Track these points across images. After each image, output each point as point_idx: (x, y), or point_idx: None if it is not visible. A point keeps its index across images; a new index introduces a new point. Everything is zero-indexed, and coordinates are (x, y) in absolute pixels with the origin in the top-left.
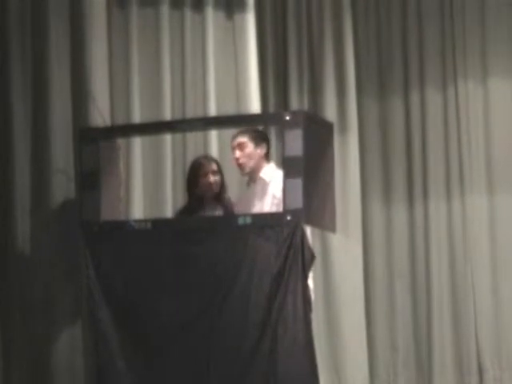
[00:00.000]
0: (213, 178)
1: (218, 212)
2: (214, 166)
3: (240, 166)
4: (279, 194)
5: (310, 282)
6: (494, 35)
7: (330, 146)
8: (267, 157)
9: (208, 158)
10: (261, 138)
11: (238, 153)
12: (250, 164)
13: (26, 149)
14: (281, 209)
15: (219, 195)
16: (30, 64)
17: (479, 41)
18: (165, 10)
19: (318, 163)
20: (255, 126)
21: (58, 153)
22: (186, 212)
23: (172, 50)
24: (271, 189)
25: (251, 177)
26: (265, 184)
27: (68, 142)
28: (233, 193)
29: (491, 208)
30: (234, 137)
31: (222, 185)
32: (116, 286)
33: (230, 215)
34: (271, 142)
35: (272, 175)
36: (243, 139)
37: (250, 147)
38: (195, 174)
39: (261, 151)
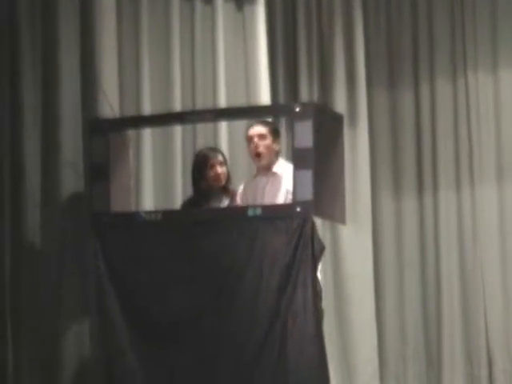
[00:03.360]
0: (220, 170)
1: (225, 203)
2: (221, 158)
3: (258, 156)
4: (289, 186)
5: (319, 274)
6: (504, 25)
7: (340, 138)
8: (278, 153)
9: (213, 150)
10: (278, 134)
11: (257, 141)
12: (270, 157)
13: (36, 141)
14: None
15: (225, 186)
16: (40, 56)
17: (489, 31)
18: (175, 1)
19: (327, 155)
20: (270, 121)
21: (67, 145)
22: (192, 204)
23: (182, 41)
24: (284, 183)
25: (262, 169)
26: (279, 178)
27: (77, 134)
28: (241, 184)
29: (501, 198)
30: (251, 126)
31: (228, 176)
32: (126, 278)
33: (240, 207)
34: (281, 133)
35: (285, 170)
36: (263, 131)
37: (268, 140)
38: (202, 165)
39: (276, 146)
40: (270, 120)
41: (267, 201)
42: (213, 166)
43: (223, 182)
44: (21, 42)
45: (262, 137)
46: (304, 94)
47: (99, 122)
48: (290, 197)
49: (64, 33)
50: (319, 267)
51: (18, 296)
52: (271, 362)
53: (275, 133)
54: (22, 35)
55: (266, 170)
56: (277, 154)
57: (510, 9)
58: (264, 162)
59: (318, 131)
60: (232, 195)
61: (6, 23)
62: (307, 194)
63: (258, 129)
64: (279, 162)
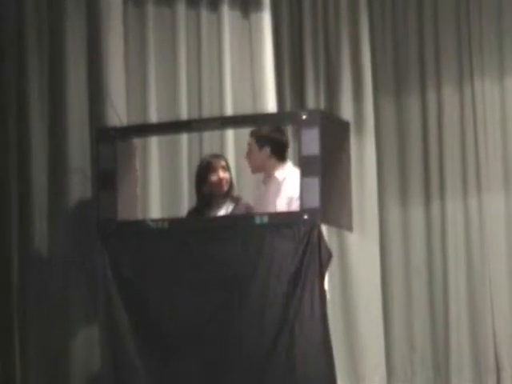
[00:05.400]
0: (223, 174)
1: (229, 210)
2: (223, 163)
3: (249, 165)
4: (291, 193)
5: (326, 284)
6: (511, 34)
7: (347, 145)
8: (279, 156)
9: (216, 156)
10: (265, 140)
11: (246, 153)
12: (255, 165)
13: (44, 148)
14: (293, 208)
15: (228, 193)
16: (47, 65)
17: (496, 39)
18: (181, 9)
19: (334, 162)
20: (269, 125)
21: (74, 152)
22: (195, 211)
23: (188, 49)
24: (284, 188)
25: (265, 176)
26: (278, 183)
27: (85, 142)
28: (248, 192)
29: (508, 206)
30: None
31: (231, 183)
32: (133, 286)
33: (246, 214)
34: (288, 140)
35: (286, 174)
36: (250, 140)
37: (254, 150)
38: (204, 171)
39: (264, 154)
40: (265, 127)
41: (268, 206)
42: (215, 171)
43: (225, 188)
44: (28, 51)
45: (249, 147)
46: (310, 102)
47: (106, 130)
48: (287, 201)
49: (71, 42)
50: (326, 277)
51: (25, 304)
52: (279, 370)
53: (261, 140)
54: (29, 45)
55: (268, 176)
56: (275, 158)
57: None
58: (252, 171)
59: (324, 138)
60: (237, 202)
61: (13, 34)
62: (314, 201)
63: (248, 138)
64: (284, 166)
